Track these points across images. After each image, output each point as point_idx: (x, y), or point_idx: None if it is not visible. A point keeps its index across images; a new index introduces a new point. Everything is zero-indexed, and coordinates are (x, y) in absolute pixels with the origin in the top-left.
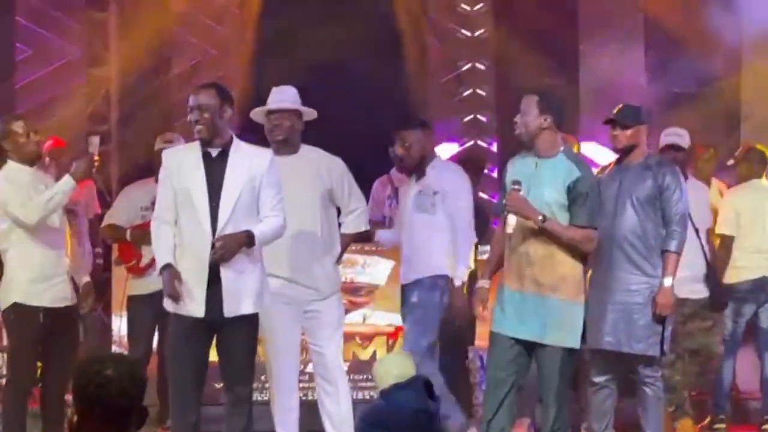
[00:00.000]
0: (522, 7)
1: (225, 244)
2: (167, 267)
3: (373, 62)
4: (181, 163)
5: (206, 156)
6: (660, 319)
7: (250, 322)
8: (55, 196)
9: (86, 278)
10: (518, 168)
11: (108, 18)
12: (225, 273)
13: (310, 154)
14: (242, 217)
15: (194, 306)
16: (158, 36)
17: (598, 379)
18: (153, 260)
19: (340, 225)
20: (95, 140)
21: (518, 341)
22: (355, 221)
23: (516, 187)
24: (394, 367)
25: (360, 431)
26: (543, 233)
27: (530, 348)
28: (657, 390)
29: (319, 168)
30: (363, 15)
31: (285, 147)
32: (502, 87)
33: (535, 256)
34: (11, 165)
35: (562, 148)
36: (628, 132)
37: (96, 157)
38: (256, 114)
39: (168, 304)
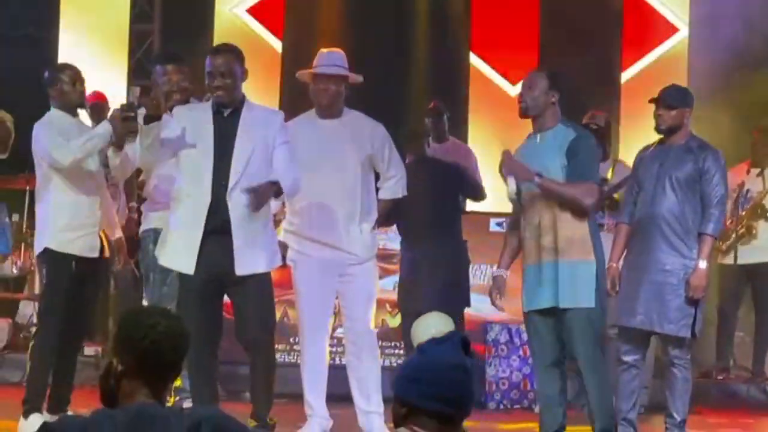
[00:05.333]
0: None
1: (255, 196)
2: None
3: None
4: (191, 119)
5: (217, 115)
6: (693, 302)
7: (263, 279)
8: (92, 140)
9: (118, 233)
10: (522, 152)
11: None
12: (236, 230)
13: (353, 119)
14: (255, 175)
15: (185, 263)
16: None
17: (626, 359)
18: None
19: (378, 190)
20: (136, 91)
21: (543, 314)
22: (394, 187)
23: (506, 150)
24: (432, 326)
25: (396, 384)
26: (546, 198)
27: (554, 321)
28: (685, 372)
29: (361, 133)
30: None
31: (329, 111)
32: None
33: (544, 225)
34: (53, 112)
35: (560, 119)
36: (673, 113)
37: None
38: (303, 75)
39: (161, 257)
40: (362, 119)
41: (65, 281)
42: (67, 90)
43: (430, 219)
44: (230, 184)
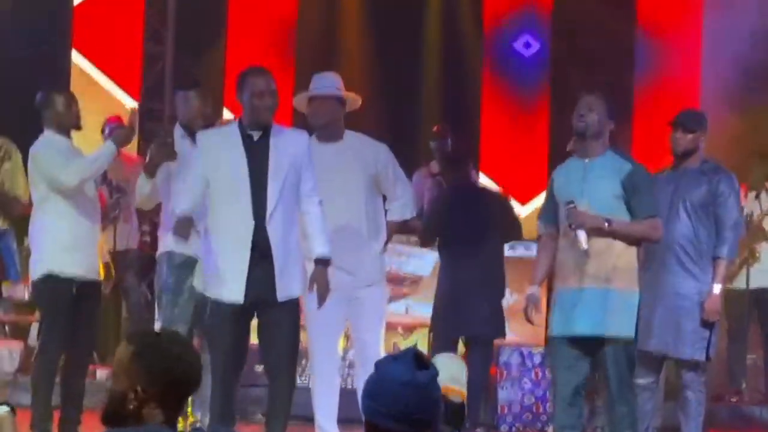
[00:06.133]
0: None
1: (323, 288)
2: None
3: None
4: (221, 146)
5: (247, 139)
6: (707, 325)
7: (296, 305)
8: (98, 159)
9: (106, 257)
10: (565, 175)
11: None
12: (276, 256)
13: (354, 141)
14: (288, 198)
15: (235, 292)
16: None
17: (640, 381)
18: None
19: (386, 212)
20: (135, 111)
21: (578, 341)
22: (401, 208)
23: (572, 206)
24: (444, 370)
25: (360, 401)
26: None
27: (589, 348)
28: (699, 395)
29: (364, 154)
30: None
31: (327, 133)
32: None
33: (594, 251)
34: (48, 134)
35: (609, 147)
36: (690, 136)
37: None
38: (298, 101)
39: (207, 289)
40: (364, 140)
41: (67, 304)
42: (62, 111)
43: (474, 246)
44: (268, 211)
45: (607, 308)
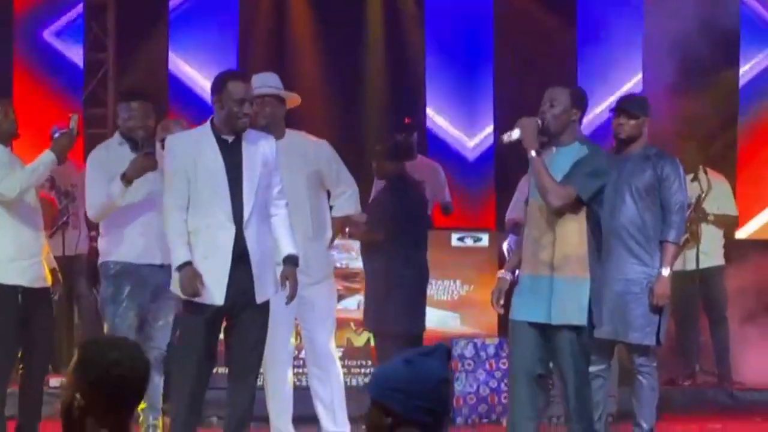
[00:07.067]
0: None
1: (293, 287)
2: (188, 264)
3: None
4: (196, 149)
5: (222, 143)
6: (656, 309)
7: (268, 307)
8: (38, 169)
9: (53, 263)
10: None
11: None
12: (254, 258)
13: (294, 139)
14: (262, 200)
15: (216, 294)
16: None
17: (591, 369)
18: None
19: (331, 209)
20: (76, 117)
21: (534, 327)
22: (345, 204)
23: (539, 121)
24: None
25: (379, 393)
26: (548, 215)
27: (546, 336)
28: (651, 380)
29: (305, 152)
30: None
31: (268, 133)
32: None
33: (544, 240)
34: None
35: (578, 137)
36: (633, 122)
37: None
38: None
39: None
40: (305, 138)
41: (14, 313)
42: None
43: (404, 238)
44: (245, 215)
45: (553, 297)
